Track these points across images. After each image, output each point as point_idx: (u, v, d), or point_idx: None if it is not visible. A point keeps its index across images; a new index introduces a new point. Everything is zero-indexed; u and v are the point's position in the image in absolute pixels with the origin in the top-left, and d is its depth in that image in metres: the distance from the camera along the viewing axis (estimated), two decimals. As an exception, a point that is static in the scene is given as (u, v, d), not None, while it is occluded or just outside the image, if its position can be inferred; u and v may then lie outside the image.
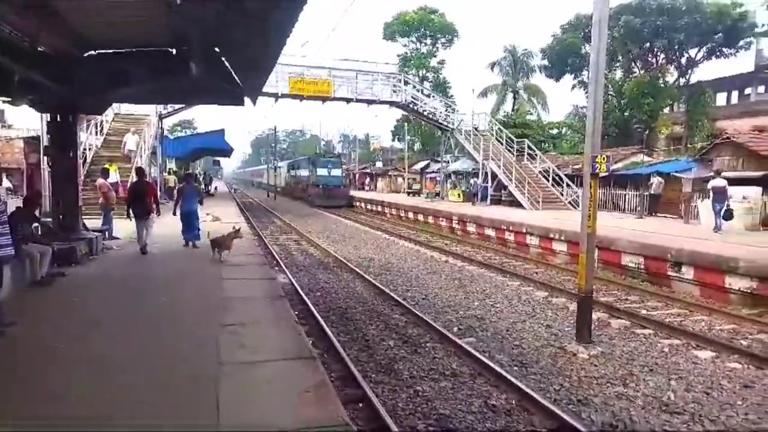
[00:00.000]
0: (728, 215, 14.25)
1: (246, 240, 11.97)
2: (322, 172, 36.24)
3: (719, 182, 14.60)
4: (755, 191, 15.30)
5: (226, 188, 56.41)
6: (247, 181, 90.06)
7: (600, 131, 7.29)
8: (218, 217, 18.18)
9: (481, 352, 6.86)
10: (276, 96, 25.96)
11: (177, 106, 25.25)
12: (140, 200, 10.79)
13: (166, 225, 12.40)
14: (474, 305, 9.67)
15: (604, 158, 7.11)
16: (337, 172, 37.22)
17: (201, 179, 33.19)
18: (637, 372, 6.46)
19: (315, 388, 3.93)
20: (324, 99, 27.30)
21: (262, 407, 3.75)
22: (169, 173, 27.72)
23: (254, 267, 9.56)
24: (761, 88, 36.12)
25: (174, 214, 11.76)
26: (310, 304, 9.12)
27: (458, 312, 9.16)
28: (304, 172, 40.36)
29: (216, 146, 33.10)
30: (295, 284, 10.85)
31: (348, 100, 27.58)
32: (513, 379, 5.88)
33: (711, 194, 14.85)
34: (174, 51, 8.50)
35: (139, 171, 12.26)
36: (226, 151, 36.97)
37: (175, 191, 15.32)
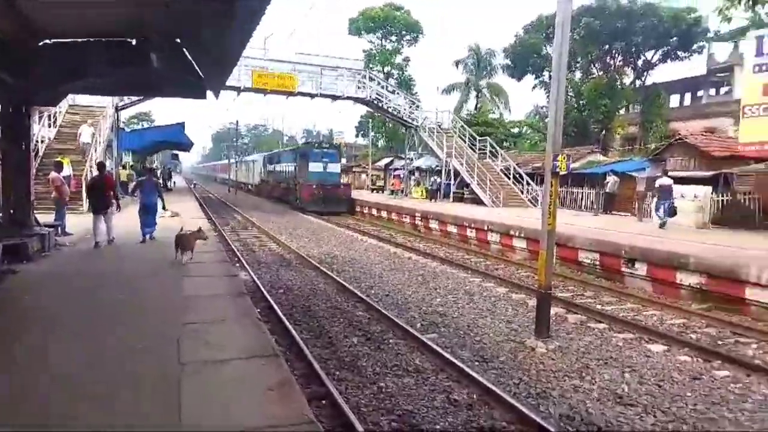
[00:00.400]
0: (672, 212, 14.99)
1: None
2: (316, 166, 28.27)
3: (665, 181, 15.48)
4: (705, 191, 15.99)
5: (185, 183, 54.96)
6: (208, 176, 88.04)
7: (561, 131, 7.47)
8: (177, 212, 17.78)
9: (444, 348, 6.93)
10: (239, 90, 25.61)
11: (134, 98, 24.54)
12: (100, 194, 10.78)
13: (124, 220, 12.06)
14: (436, 301, 9.77)
15: (564, 157, 7.30)
16: (335, 167, 29.46)
17: (159, 174, 32.12)
18: (592, 365, 6.66)
19: (279, 386, 3.90)
20: (288, 94, 27.07)
21: (224, 406, 3.69)
22: (124, 167, 26.88)
23: (215, 264, 9.40)
24: (712, 91, 37.67)
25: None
26: (272, 302, 9.03)
27: (421, 308, 9.24)
28: (289, 167, 32.48)
29: (175, 140, 32.34)
30: (257, 281, 10.72)
31: (312, 96, 27.41)
32: (474, 374, 5.97)
33: (658, 192, 15.65)
34: (134, 42, 8.24)
35: (101, 165, 12.12)
36: (186, 145, 36.13)
37: (131, 185, 15.15)
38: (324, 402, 5.29)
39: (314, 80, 27.34)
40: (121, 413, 3.60)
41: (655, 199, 16.01)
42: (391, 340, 7.42)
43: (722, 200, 16.72)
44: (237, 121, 55.97)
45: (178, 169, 71.67)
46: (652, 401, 5.60)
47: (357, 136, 54.49)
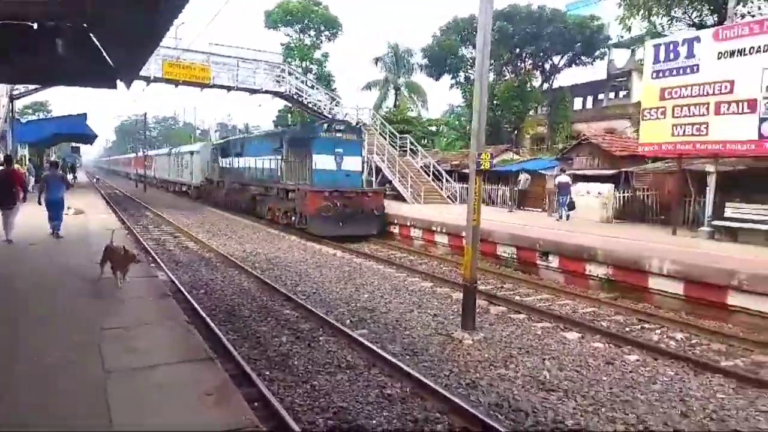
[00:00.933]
0: (571, 206, 16.35)
1: (119, 235, 11.07)
2: (325, 161, 18.06)
3: (564, 178, 17.04)
4: (608, 188, 17.22)
5: (87, 178, 51.12)
6: (113, 171, 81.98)
7: (484, 130, 7.73)
8: (82, 209, 16.62)
9: (374, 343, 6.99)
10: (148, 80, 24.23)
11: (32, 87, 22.55)
12: (7, 189, 10.25)
13: (24, 218, 11.12)
14: (364, 297, 9.82)
15: (488, 155, 7.57)
16: (355, 162, 19.14)
17: (60, 167, 29.53)
18: (515, 354, 6.99)
19: (217, 390, 3.74)
20: (202, 86, 26.01)
21: (160, 415, 3.49)
22: (18, 161, 24.59)
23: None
24: (612, 95, 40.61)
25: (39, 203, 11.10)
26: (194, 303, 8.68)
27: (349, 304, 9.25)
28: (265, 162, 21.55)
29: (77, 132, 29.98)
30: (176, 282, 10.25)
31: (228, 88, 26.51)
32: (406, 368, 6.08)
33: (557, 188, 17.11)
34: (35, 26, 7.53)
35: (8, 158, 11.51)
36: (89, 138, 33.60)
37: (31, 180, 14.12)
38: (257, 404, 5.16)
39: (230, 72, 26.44)
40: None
41: (556, 195, 17.37)
42: (321, 338, 7.37)
43: (623, 196, 18.07)
44: (145, 113, 53.02)
45: (79, 163, 66.83)
46: (572, 386, 5.97)
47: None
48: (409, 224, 17.02)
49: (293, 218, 18.37)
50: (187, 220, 21.39)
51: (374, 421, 5.07)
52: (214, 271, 11.76)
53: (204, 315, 7.93)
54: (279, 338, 7.36)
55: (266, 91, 27.23)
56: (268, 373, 6.12)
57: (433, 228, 15.76)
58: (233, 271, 11.84)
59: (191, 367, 4.25)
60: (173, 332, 5.19)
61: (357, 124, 24.67)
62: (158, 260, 12.40)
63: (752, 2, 17.99)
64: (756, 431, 5.07)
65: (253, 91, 27.14)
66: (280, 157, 20.14)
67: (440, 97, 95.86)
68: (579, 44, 32.53)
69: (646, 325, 8.47)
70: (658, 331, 8.19)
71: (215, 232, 18.17)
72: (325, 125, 19.01)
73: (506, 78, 35.31)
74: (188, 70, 25.11)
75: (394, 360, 6.32)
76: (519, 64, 35.50)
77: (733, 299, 8.47)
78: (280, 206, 19.51)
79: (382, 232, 17.89)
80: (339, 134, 18.50)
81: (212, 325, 7.47)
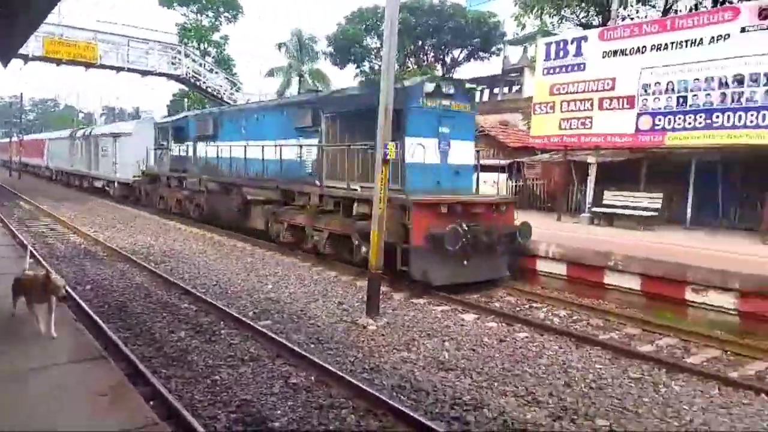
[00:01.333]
0: None
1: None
2: (423, 146, 10.13)
3: None
4: (502, 177, 18.17)
5: None
6: None
7: (391, 121, 7.83)
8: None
9: (278, 334, 6.92)
10: (26, 58, 22.05)
11: None
12: None
13: None
14: (268, 288, 9.66)
15: (393, 145, 7.72)
16: (466, 148, 10.96)
17: None
18: (417, 337, 7.23)
19: (112, 390, 3.52)
20: (87, 65, 24.11)
21: (51, 420, 3.21)
22: None
23: (2, 260, 8.05)
24: (506, 89, 42.72)
25: None
26: (79, 299, 8.03)
27: (252, 296, 9.06)
28: (286, 152, 13.12)
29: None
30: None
31: (118, 69, 24.79)
32: (310, 356, 6.08)
33: None
34: None
35: None
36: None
37: None
38: (153, 402, 4.92)
39: (120, 52, 24.71)
40: None
41: None
42: (222, 331, 7.16)
43: (515, 185, 19.17)
44: (21, 94, 48.12)
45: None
46: (469, 364, 6.29)
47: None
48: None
49: (363, 249, 9.96)
50: (70, 212, 19.76)
51: (279, 411, 5.02)
52: (101, 266, 11.00)
53: (90, 312, 7.40)
54: (176, 333, 7.04)
55: (160, 74, 25.78)
56: (164, 370, 5.84)
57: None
58: (123, 265, 11.14)
59: (82, 367, 3.96)
60: (60, 331, 4.79)
61: None
62: (37, 255, 11.35)
63: (632, 6, 19.71)
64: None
65: (145, 73, 25.57)
66: (315, 141, 12.41)
67: (345, 86, 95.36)
68: (477, 39, 33.99)
69: (534, 305, 9.13)
70: (544, 310, 8.85)
71: (101, 224, 16.97)
72: (428, 86, 10.36)
73: (409, 69, 36.04)
74: (72, 48, 23.12)
75: (298, 349, 6.30)
76: (421, 56, 36.37)
77: (609, 278, 9.33)
78: (323, 224, 11.59)
79: (523, 273, 10.72)
80: (446, 101, 10.57)
81: (100, 322, 6.99)
